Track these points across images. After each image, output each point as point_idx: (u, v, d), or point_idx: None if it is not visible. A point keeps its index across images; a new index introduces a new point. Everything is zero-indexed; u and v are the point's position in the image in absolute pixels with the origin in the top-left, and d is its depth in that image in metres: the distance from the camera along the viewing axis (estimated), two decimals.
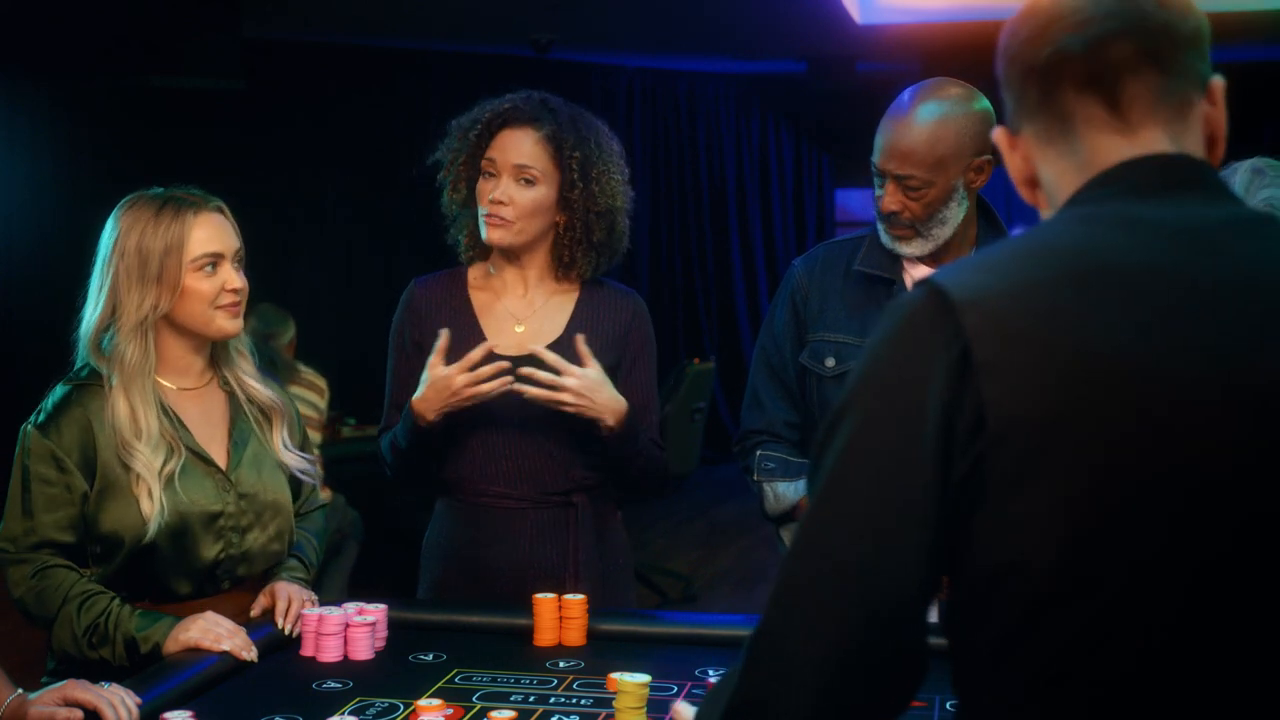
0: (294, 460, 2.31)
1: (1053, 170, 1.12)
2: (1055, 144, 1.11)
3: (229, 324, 2.20)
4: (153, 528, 2.08)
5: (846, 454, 1.04)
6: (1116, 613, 0.98)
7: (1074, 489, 0.97)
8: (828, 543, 1.03)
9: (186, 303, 2.16)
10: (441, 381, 2.29)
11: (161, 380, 2.20)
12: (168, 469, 2.12)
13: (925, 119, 2.23)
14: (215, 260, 2.17)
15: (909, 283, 2.36)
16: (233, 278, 2.18)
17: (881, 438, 1.03)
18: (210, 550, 2.15)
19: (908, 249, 2.32)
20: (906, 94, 2.28)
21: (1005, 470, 0.98)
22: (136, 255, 2.13)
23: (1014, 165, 1.16)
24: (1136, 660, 0.98)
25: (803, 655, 1.02)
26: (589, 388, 2.31)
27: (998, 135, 1.17)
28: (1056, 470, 0.98)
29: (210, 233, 2.18)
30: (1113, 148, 1.08)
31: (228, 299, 2.18)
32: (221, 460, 2.22)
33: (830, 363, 2.39)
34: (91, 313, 2.17)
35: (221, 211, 2.23)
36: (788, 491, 2.34)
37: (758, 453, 2.42)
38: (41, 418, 2.13)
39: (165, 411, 2.17)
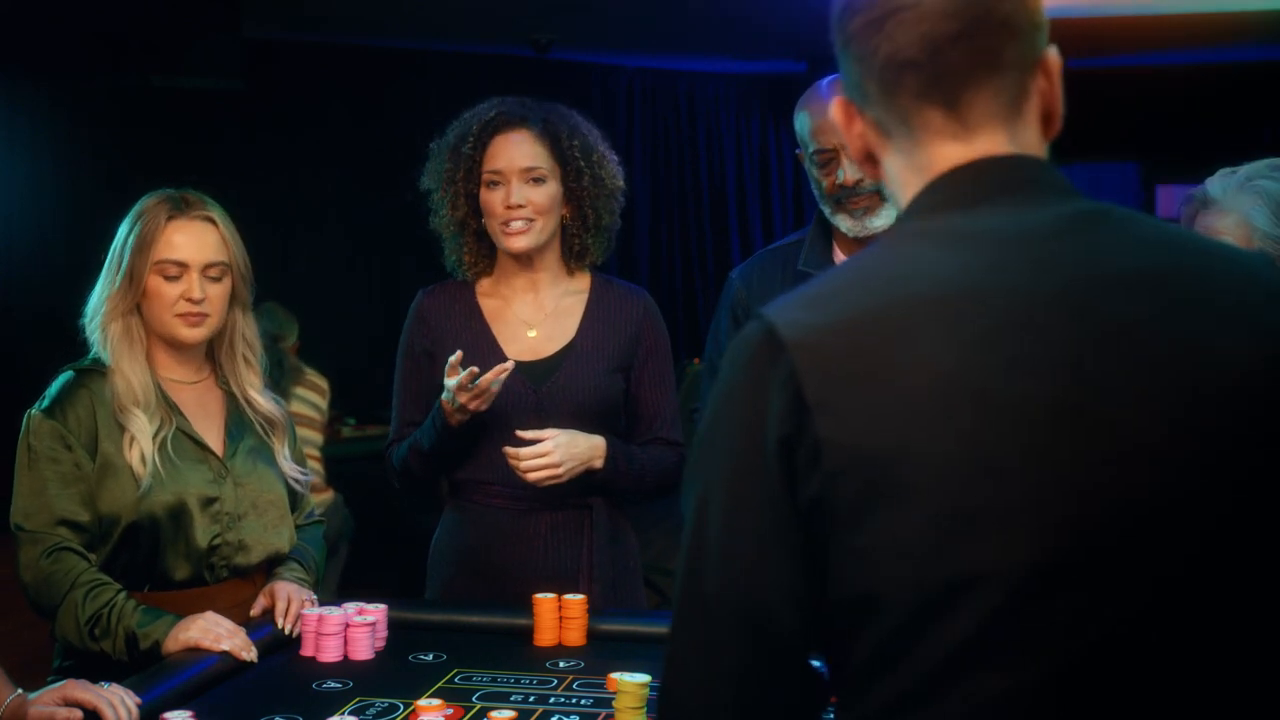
0: (291, 470, 2.34)
1: (893, 166, 1.11)
2: (894, 139, 1.09)
3: (186, 332, 2.21)
4: (145, 484, 2.10)
5: (702, 493, 1.05)
6: (970, 644, 0.96)
7: (912, 520, 0.96)
8: (702, 582, 1.04)
9: (150, 303, 2.20)
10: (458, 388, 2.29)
11: (156, 370, 2.23)
12: (160, 435, 2.15)
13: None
14: (179, 268, 2.18)
15: None
16: (193, 289, 2.19)
17: (729, 475, 1.03)
18: (206, 533, 2.17)
19: (878, 221, 2.31)
20: (818, 83, 2.37)
21: (844, 506, 0.98)
22: (122, 246, 2.20)
23: (852, 140, 1.13)
24: (995, 687, 0.96)
25: (702, 689, 1.04)
26: (567, 447, 2.32)
27: (836, 106, 1.13)
28: (894, 504, 0.96)
29: (182, 239, 2.19)
30: (950, 154, 1.06)
31: (184, 308, 2.19)
32: (217, 449, 2.24)
33: None
34: (94, 295, 2.23)
35: (210, 221, 2.23)
36: None
37: None
38: (46, 403, 2.16)
39: (160, 391, 2.20)
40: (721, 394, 1.06)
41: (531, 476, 2.31)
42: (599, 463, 2.36)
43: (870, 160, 1.13)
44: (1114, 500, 0.96)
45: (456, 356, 2.29)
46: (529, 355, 2.44)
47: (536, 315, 2.48)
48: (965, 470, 0.96)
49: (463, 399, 2.28)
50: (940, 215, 1.05)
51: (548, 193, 2.41)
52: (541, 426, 2.38)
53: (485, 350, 2.43)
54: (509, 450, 2.31)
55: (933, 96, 1.05)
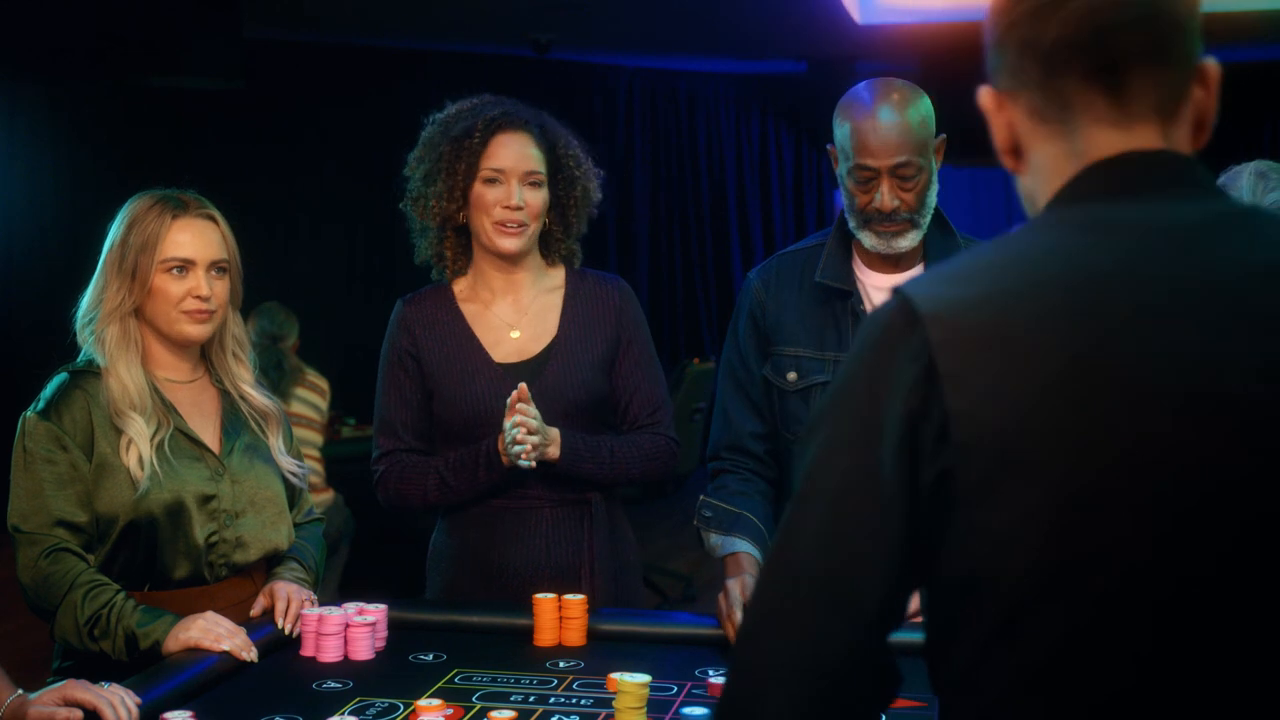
0: (287, 464, 2.34)
1: (1043, 153, 1.10)
2: (1049, 124, 1.09)
3: (192, 329, 2.22)
4: (143, 487, 2.10)
5: (814, 466, 1.05)
6: (1089, 625, 0.97)
7: (1041, 500, 0.97)
8: (796, 555, 1.04)
9: (155, 301, 2.20)
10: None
11: (152, 370, 2.23)
12: (157, 437, 2.16)
13: (900, 105, 2.24)
14: (185, 265, 2.19)
15: (864, 294, 2.37)
16: (201, 285, 2.19)
17: (845, 449, 1.03)
18: (204, 530, 2.17)
19: (902, 244, 2.30)
20: (863, 92, 2.29)
21: (972, 481, 0.98)
22: (120, 247, 2.20)
23: (998, 129, 1.13)
24: (1110, 673, 0.97)
25: (777, 664, 1.03)
26: (539, 427, 2.33)
27: (985, 95, 1.13)
28: (1022, 481, 0.97)
29: (188, 237, 2.20)
30: (1108, 141, 1.07)
31: (192, 305, 2.20)
32: (214, 447, 2.24)
33: (792, 376, 2.39)
34: (87, 296, 2.23)
35: (211, 219, 2.24)
36: (718, 544, 2.33)
37: (700, 497, 2.42)
38: (41, 405, 2.16)
39: (156, 391, 2.21)
40: (850, 364, 1.06)
41: (520, 432, 2.30)
42: (554, 449, 2.36)
43: (1014, 153, 1.13)
44: (1246, 492, 0.96)
45: (519, 392, 2.31)
46: (515, 357, 2.46)
47: (517, 316, 2.49)
48: (1095, 451, 0.96)
49: (507, 454, 2.31)
50: (1084, 205, 1.06)
51: (543, 197, 2.44)
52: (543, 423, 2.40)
53: (471, 354, 2.45)
54: (523, 389, 2.30)
55: (1099, 80, 1.05)
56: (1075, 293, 1.00)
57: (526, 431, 2.29)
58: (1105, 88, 1.06)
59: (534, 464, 2.32)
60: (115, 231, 2.22)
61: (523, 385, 2.32)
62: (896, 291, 1.05)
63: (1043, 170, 1.10)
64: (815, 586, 1.03)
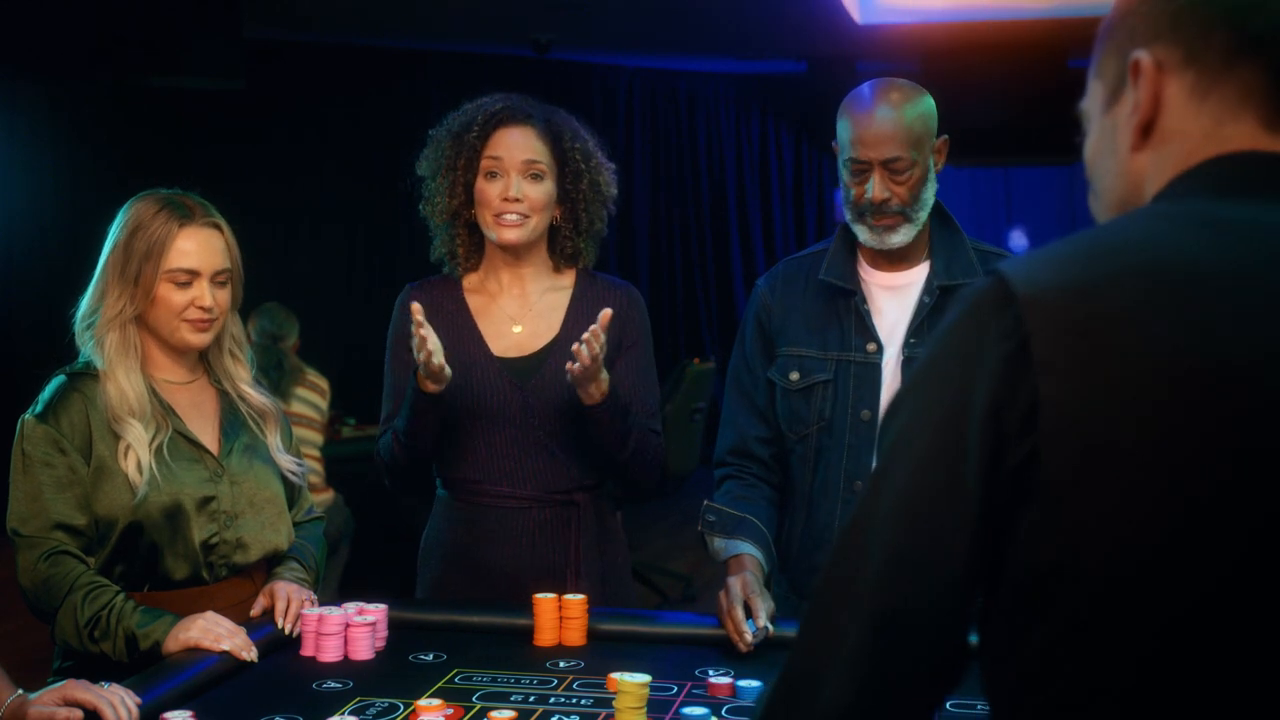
0: (286, 462, 2.34)
1: (1183, 134, 1.06)
2: (1207, 106, 1.05)
3: (193, 338, 2.22)
4: (141, 492, 2.10)
5: (897, 440, 1.03)
6: (1171, 629, 0.94)
7: (1131, 495, 0.94)
8: (873, 527, 1.01)
9: (157, 309, 2.19)
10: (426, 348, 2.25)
11: (151, 373, 2.23)
12: (156, 441, 2.15)
13: (897, 102, 2.28)
14: (190, 276, 2.18)
15: (868, 292, 2.39)
16: (204, 296, 2.19)
17: (930, 423, 1.01)
18: (203, 531, 2.17)
19: (895, 238, 2.33)
20: (864, 89, 2.33)
21: (1059, 470, 0.95)
22: (123, 253, 2.18)
23: (1144, 98, 1.08)
24: (1190, 677, 0.94)
25: (842, 639, 1.01)
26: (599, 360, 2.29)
27: (1144, 60, 1.08)
28: (1113, 474, 0.94)
29: (193, 247, 2.19)
30: (1254, 140, 1.04)
31: (195, 315, 2.20)
32: (213, 448, 2.24)
33: (794, 376, 2.40)
34: (87, 298, 2.22)
35: (216, 227, 2.24)
36: (721, 548, 2.34)
37: (705, 502, 2.42)
38: (39, 408, 2.15)
39: (155, 394, 2.20)
40: (938, 341, 1.03)
41: (583, 349, 2.24)
42: (602, 388, 2.31)
43: (1144, 129, 1.09)
44: None
45: (415, 308, 2.24)
46: (514, 351, 2.45)
47: (522, 311, 2.49)
48: (1189, 447, 0.93)
49: (421, 372, 2.27)
50: (1190, 201, 1.03)
51: (544, 190, 2.43)
52: (528, 423, 2.41)
53: (471, 345, 2.45)
54: (416, 308, 2.24)
55: (1273, 79, 1.03)
56: (1182, 288, 0.97)
57: (590, 357, 2.24)
58: (1274, 88, 1.03)
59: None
60: (117, 233, 2.20)
61: (416, 305, 2.26)
62: (993, 270, 1.02)
63: (1172, 154, 1.07)
64: (891, 558, 1.00)
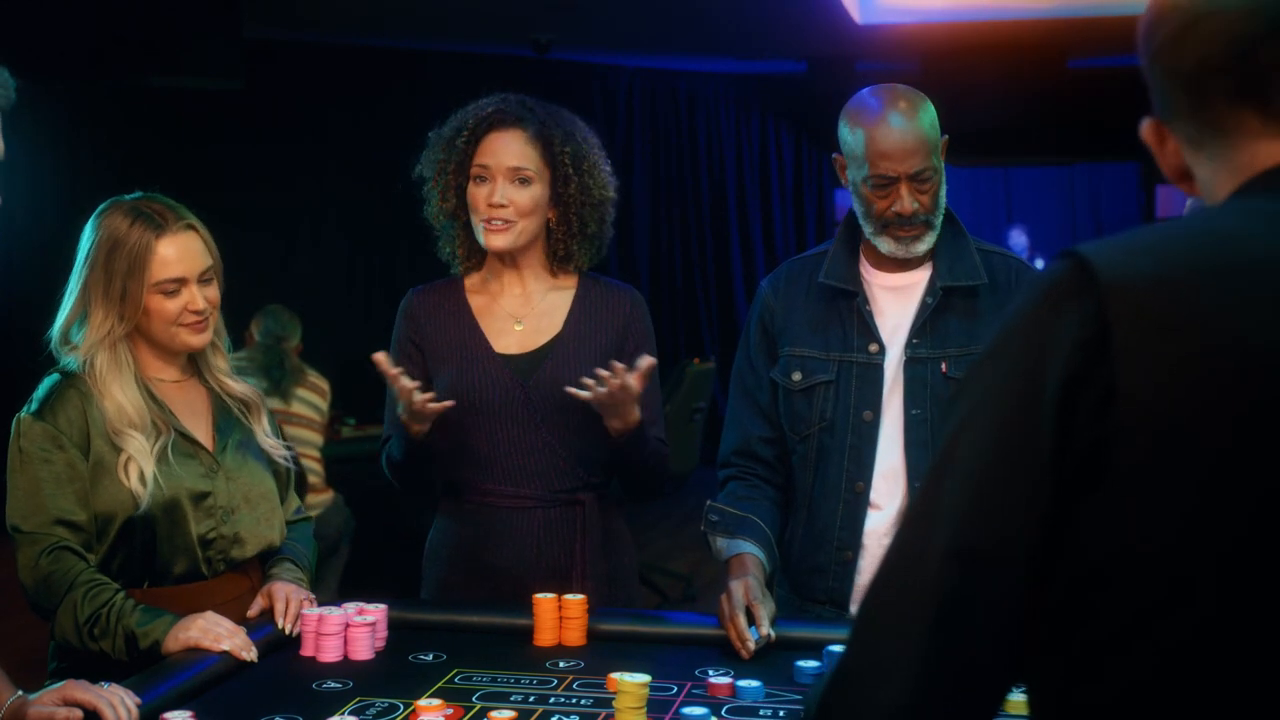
0: (272, 445, 2.35)
1: (1206, 172, 1.08)
2: (1207, 148, 1.07)
3: (193, 339, 2.22)
4: (145, 501, 2.11)
5: (964, 422, 1.01)
6: (1231, 625, 0.93)
7: (1205, 489, 0.93)
8: (938, 510, 0.99)
9: (151, 321, 2.19)
10: (405, 395, 2.29)
11: (144, 375, 2.23)
12: (158, 447, 2.15)
13: (911, 112, 2.27)
14: (178, 284, 2.18)
15: (870, 293, 2.38)
16: (195, 299, 2.19)
17: (1002, 401, 0.99)
18: (200, 526, 2.18)
19: (921, 246, 2.33)
20: (870, 100, 2.30)
21: (1131, 459, 0.94)
22: (104, 272, 2.17)
23: (1166, 160, 1.11)
24: (1250, 675, 0.93)
25: (907, 629, 0.98)
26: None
27: (1147, 129, 1.11)
28: (1187, 467, 0.93)
29: (174, 254, 2.18)
30: (1268, 153, 1.04)
31: (190, 319, 2.20)
32: (207, 444, 2.25)
33: (796, 376, 2.40)
34: (63, 311, 2.21)
35: (191, 229, 2.22)
36: (723, 547, 2.33)
37: (707, 503, 2.42)
38: (35, 405, 2.15)
39: (152, 397, 2.20)
40: (1010, 320, 1.01)
41: (633, 380, 2.28)
42: (632, 421, 2.33)
43: (1185, 177, 1.11)
44: None
45: (381, 355, 2.30)
46: (516, 349, 2.46)
47: (524, 309, 2.50)
48: (1264, 443, 0.93)
49: (404, 418, 2.31)
50: (1271, 199, 1.03)
51: (531, 195, 2.42)
52: (530, 420, 2.41)
53: (473, 343, 2.46)
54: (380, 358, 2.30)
55: (1246, 100, 1.04)
56: (1259, 281, 0.96)
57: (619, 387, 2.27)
58: (1253, 104, 1.04)
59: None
60: (91, 251, 2.18)
61: (380, 356, 2.31)
62: (1071, 253, 1.00)
63: (1209, 186, 1.09)
64: (956, 537, 0.98)
